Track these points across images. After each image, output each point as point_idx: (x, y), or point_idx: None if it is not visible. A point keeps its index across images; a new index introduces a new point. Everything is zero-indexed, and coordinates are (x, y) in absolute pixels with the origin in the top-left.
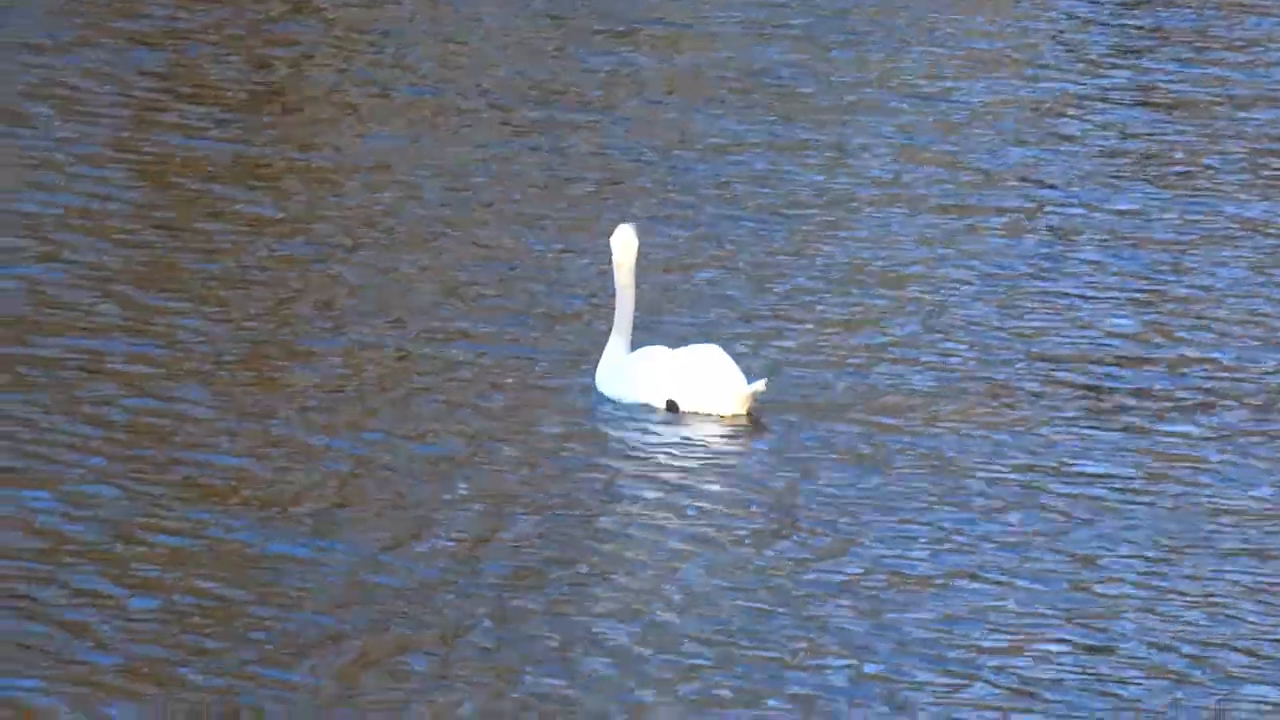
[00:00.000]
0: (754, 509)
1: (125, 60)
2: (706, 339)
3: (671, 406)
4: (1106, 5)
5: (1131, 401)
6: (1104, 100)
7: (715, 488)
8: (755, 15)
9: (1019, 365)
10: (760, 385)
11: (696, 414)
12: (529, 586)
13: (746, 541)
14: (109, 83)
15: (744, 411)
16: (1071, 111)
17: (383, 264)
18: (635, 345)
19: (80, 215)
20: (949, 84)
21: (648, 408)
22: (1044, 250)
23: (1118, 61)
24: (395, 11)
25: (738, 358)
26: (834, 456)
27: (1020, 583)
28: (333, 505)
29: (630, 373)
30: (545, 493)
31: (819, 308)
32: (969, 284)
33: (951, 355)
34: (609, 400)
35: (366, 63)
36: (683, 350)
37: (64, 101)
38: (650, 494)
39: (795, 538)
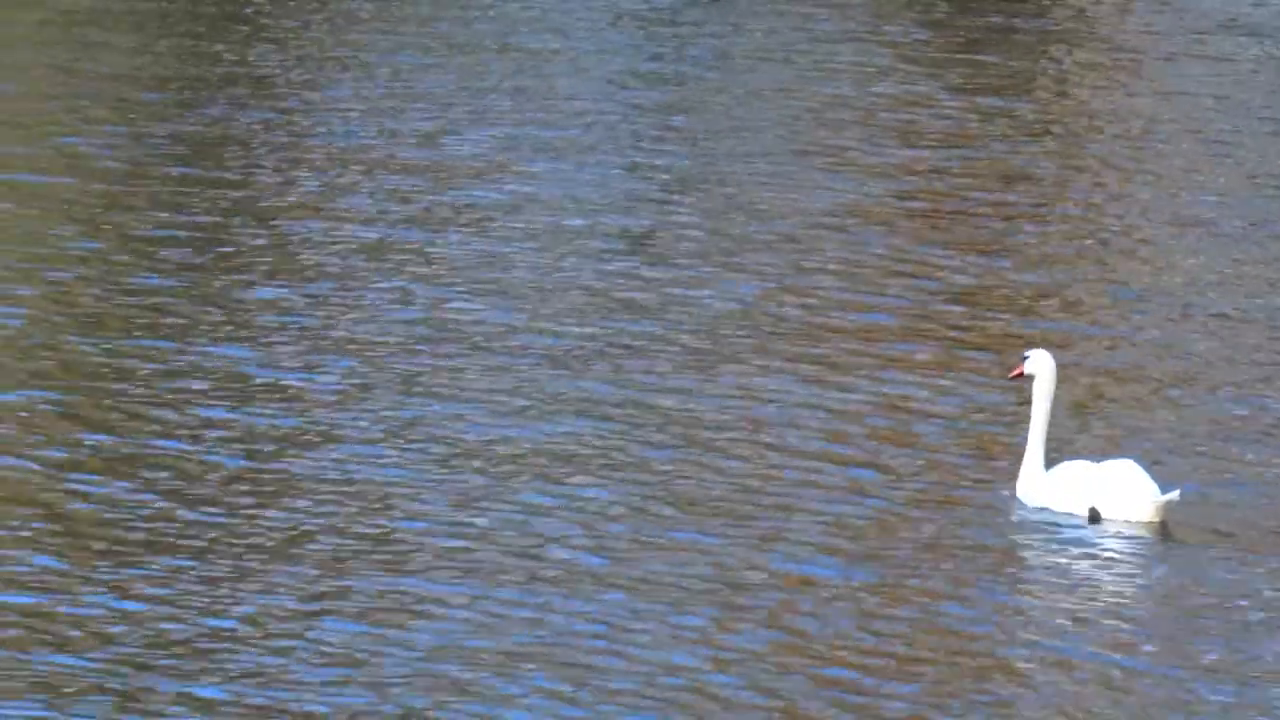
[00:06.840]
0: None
1: None
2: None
3: (1094, 515)
4: None
5: None
6: None
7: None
8: None
9: None
10: (1174, 495)
11: (1116, 521)
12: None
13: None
14: None
15: (1159, 520)
16: None
17: None
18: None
19: None
20: None
21: (1071, 516)
22: None
23: None
24: None
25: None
26: (1244, 575)
27: None
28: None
29: (1053, 485)
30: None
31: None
32: None
33: None
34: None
35: None
36: (1102, 464)
37: None
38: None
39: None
